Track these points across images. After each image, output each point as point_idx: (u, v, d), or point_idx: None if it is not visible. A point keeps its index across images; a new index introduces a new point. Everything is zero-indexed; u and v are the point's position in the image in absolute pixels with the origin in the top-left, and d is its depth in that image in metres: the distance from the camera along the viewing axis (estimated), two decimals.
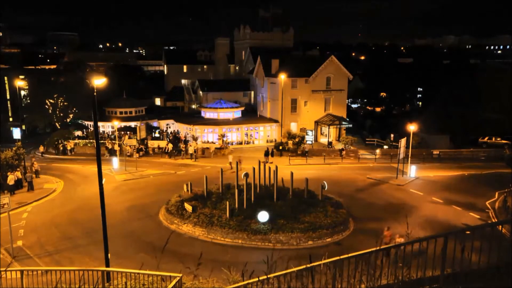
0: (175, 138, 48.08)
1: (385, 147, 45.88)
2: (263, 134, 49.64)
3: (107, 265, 14.01)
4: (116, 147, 40.79)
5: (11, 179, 28.95)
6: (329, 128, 47.77)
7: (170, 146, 43.95)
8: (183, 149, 43.54)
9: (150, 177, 34.63)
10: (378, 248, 6.51)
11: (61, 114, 51.34)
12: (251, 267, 7.23)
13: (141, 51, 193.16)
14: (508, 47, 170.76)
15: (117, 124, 42.95)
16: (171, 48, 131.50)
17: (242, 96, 59.53)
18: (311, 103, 49.18)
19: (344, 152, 42.27)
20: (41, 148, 45.17)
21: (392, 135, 47.04)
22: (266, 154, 40.63)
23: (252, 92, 59.38)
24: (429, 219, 24.54)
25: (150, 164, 39.57)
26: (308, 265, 6.87)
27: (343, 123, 48.97)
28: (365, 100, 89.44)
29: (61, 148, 44.81)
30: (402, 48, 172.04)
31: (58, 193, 30.30)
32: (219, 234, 21.23)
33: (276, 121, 49.37)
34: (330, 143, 46.38)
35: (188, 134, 48.16)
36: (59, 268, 10.98)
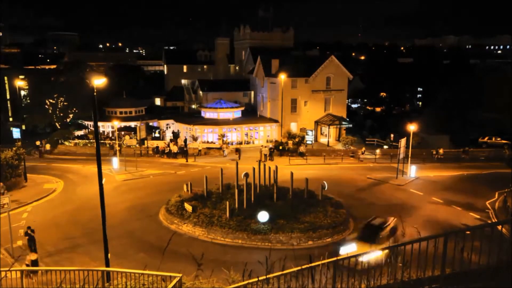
0: (175, 137, 48.07)
1: (385, 147, 45.86)
2: (263, 134, 49.61)
3: (107, 265, 14.00)
4: (116, 147, 40.80)
5: None
6: (329, 128, 47.76)
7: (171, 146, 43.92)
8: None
9: (150, 177, 34.64)
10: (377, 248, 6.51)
11: (61, 114, 51.32)
12: (251, 267, 7.23)
13: (141, 51, 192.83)
14: (508, 47, 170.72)
15: (117, 124, 42.95)
16: (171, 48, 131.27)
17: (242, 96, 59.52)
18: (311, 103, 49.18)
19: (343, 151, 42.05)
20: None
21: (392, 135, 47.04)
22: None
23: (252, 92, 59.37)
24: (429, 219, 24.53)
25: (150, 164, 39.58)
26: (308, 265, 6.88)
27: (343, 123, 48.98)
28: (365, 100, 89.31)
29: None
30: (402, 48, 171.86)
31: (58, 193, 30.30)
32: (219, 234, 21.23)
33: (276, 121, 49.36)
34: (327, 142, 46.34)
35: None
36: (59, 268, 10.96)
